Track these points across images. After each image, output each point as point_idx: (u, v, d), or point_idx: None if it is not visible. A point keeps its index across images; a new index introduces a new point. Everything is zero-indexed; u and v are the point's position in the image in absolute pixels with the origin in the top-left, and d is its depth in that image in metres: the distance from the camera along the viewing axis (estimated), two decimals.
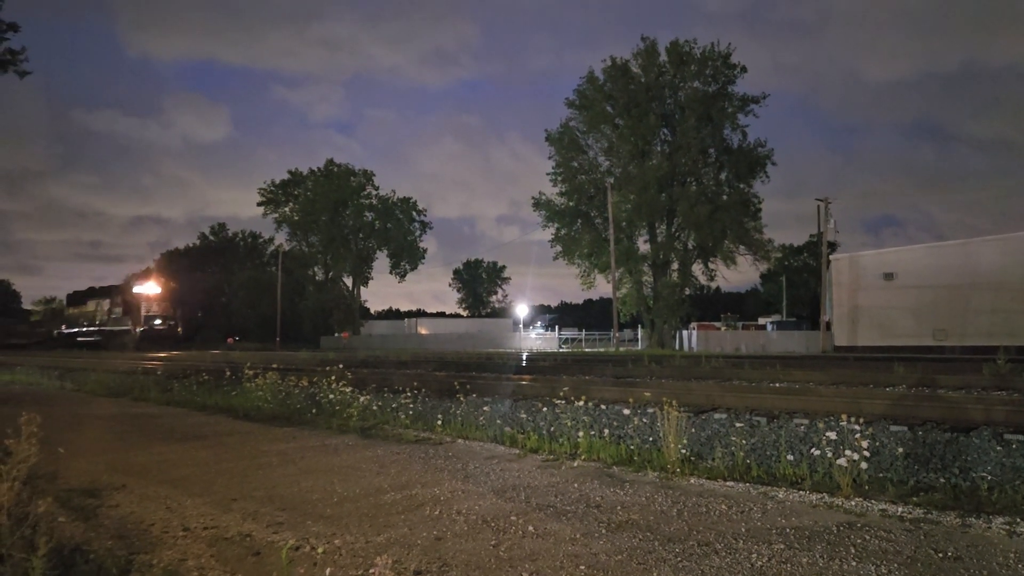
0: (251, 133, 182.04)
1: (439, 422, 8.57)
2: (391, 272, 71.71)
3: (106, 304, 53.74)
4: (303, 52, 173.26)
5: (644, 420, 7.36)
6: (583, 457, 6.55)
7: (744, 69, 45.61)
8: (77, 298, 63.29)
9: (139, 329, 48.93)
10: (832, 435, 5.44)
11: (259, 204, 70.48)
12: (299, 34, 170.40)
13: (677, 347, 43.82)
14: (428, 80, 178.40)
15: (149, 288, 51.39)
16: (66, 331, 59.71)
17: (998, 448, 5.51)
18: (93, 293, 61.26)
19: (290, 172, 70.79)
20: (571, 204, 48.18)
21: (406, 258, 71.06)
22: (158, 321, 50.54)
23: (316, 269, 71.61)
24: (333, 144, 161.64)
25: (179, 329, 53.15)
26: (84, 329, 55.53)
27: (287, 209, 70.48)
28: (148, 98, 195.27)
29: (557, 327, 60.74)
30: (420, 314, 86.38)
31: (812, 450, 5.71)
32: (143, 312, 49.78)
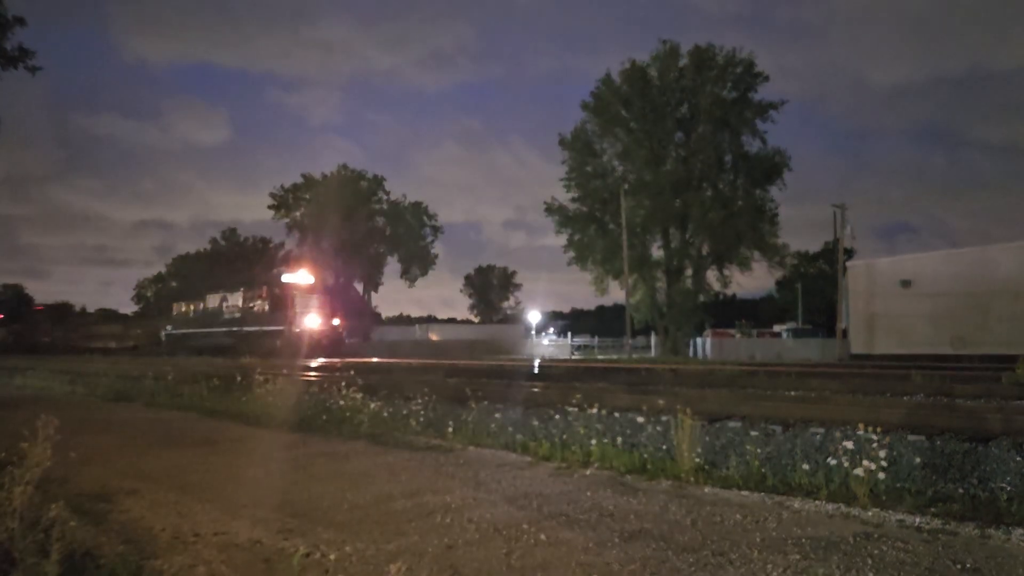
0: (251, 137, 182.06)
1: (450, 429, 8.53)
2: (401, 277, 71.95)
3: (239, 298, 40.93)
4: (298, 54, 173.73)
5: (658, 428, 7.30)
6: (596, 465, 6.50)
7: (767, 78, 45.42)
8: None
9: (296, 330, 36.05)
10: (849, 444, 5.36)
11: (269, 207, 71.00)
12: (293, 36, 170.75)
13: (691, 354, 43.66)
14: (426, 83, 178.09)
15: (302, 277, 39.03)
16: (176, 332, 46.71)
17: (1018, 459, 5.42)
18: (219, 284, 48.72)
19: (303, 176, 71.33)
20: (584, 209, 48.10)
21: (417, 263, 71.28)
22: (316, 319, 37.36)
23: (326, 275, 71.88)
24: (334, 148, 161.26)
25: (342, 329, 40.67)
26: (207, 330, 42.38)
27: (298, 213, 70.88)
28: (146, 102, 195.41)
29: (569, 333, 60.66)
30: (431, 320, 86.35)
31: (828, 459, 5.64)
32: (297, 308, 36.94)
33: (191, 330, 44.68)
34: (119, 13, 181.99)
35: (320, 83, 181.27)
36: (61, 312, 69.83)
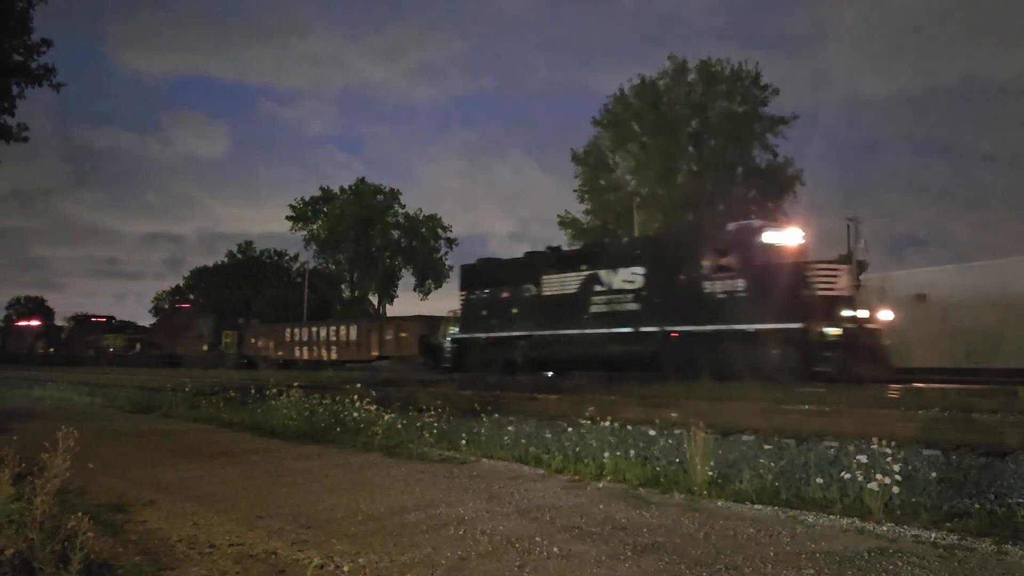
0: (251, 149, 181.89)
1: (463, 441, 8.55)
2: (415, 289, 72.08)
3: (637, 275, 19.57)
4: (290, 68, 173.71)
5: (670, 441, 7.29)
6: (608, 478, 6.49)
7: (776, 91, 45.37)
8: (511, 266, 23.77)
9: (831, 331, 15.90)
10: (863, 458, 5.34)
11: (288, 218, 71.60)
12: (283, 50, 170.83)
13: None
14: (420, 95, 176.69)
15: (791, 237, 18.45)
16: (476, 336, 23.71)
17: None
18: (577, 251, 24.81)
19: (321, 189, 72.03)
20: (598, 223, 48.16)
21: (431, 275, 71.52)
22: (863, 312, 17.00)
23: (343, 287, 72.20)
24: (334, 161, 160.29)
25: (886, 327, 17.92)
26: (559, 333, 21.39)
27: (315, 227, 71.43)
28: (145, 115, 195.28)
29: None
30: None
31: (842, 473, 5.62)
32: (822, 290, 16.81)
33: (517, 333, 22.75)
34: (114, 28, 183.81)
35: (314, 96, 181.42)
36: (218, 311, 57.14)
